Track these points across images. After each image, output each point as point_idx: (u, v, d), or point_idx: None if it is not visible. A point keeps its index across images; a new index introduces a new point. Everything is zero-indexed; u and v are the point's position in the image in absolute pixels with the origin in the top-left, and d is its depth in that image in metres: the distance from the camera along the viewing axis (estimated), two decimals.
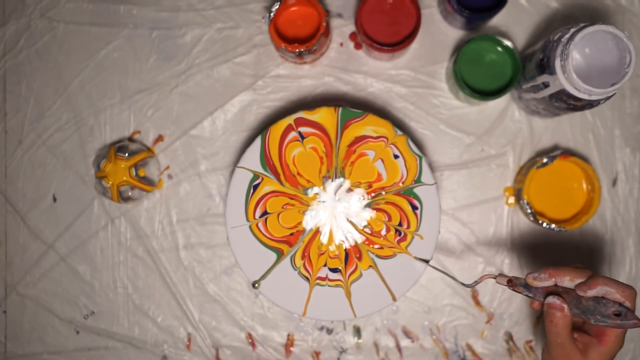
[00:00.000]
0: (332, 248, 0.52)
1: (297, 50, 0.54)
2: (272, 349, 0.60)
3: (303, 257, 0.52)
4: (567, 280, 0.42)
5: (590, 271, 0.43)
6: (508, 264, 0.59)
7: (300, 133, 0.52)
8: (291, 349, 0.59)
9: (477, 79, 0.56)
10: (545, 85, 0.49)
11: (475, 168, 0.59)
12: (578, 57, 0.47)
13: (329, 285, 0.52)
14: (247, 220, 0.52)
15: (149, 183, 0.58)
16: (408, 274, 0.52)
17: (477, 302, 0.59)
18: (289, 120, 0.52)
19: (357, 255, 0.52)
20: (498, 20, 0.59)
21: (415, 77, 0.60)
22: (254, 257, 0.52)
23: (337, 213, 0.52)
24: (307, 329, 0.60)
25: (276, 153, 0.52)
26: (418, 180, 0.52)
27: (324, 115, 0.52)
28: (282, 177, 0.52)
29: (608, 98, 0.48)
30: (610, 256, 0.59)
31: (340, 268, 0.52)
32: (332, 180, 0.52)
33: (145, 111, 0.60)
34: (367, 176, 0.52)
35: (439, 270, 0.50)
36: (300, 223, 0.52)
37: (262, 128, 0.60)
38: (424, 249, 0.52)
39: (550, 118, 0.58)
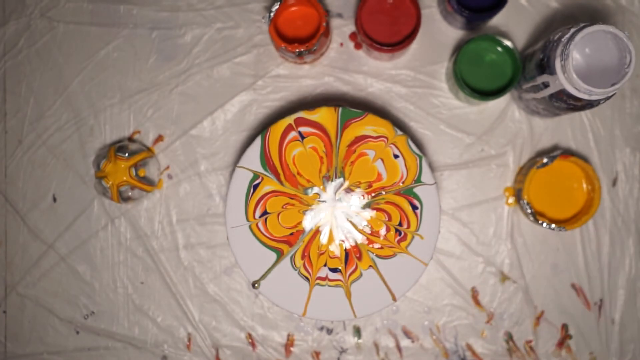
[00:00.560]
0: (332, 248, 0.52)
1: (297, 50, 0.54)
2: (272, 349, 0.60)
3: (303, 257, 0.52)
4: None
5: None
6: (508, 264, 0.59)
7: (300, 133, 0.52)
8: (291, 349, 0.59)
9: (477, 79, 0.56)
10: (545, 85, 0.49)
11: (475, 168, 0.59)
12: (578, 57, 0.47)
13: (329, 285, 0.52)
14: (247, 220, 0.52)
15: (149, 183, 0.58)
16: (408, 274, 0.52)
17: (477, 302, 0.59)
18: (289, 120, 0.52)
19: (357, 255, 0.52)
20: (498, 20, 0.59)
21: (415, 77, 0.60)
22: (254, 257, 0.52)
23: (337, 213, 0.52)
24: (307, 329, 0.60)
25: (276, 153, 0.52)
26: (418, 180, 0.52)
27: (324, 115, 0.52)
28: (282, 177, 0.52)
29: (608, 98, 0.48)
30: (610, 256, 0.59)
31: (340, 268, 0.52)
32: (332, 180, 0.52)
33: (145, 111, 0.60)
34: (367, 176, 0.52)
35: None
36: (300, 223, 0.52)
37: (262, 128, 0.60)
38: (424, 249, 0.52)
39: (550, 118, 0.58)
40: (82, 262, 0.61)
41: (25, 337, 0.61)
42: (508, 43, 0.55)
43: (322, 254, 0.52)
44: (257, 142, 0.52)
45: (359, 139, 0.52)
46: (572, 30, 0.46)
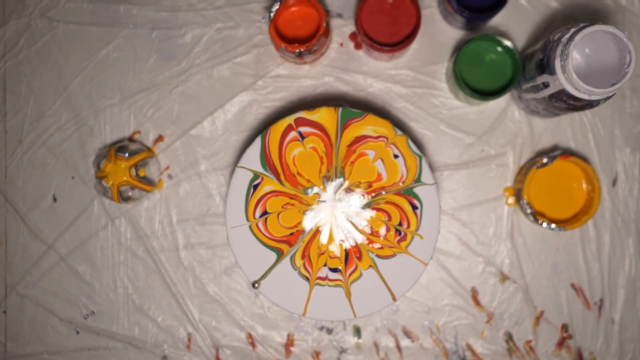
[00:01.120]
0: (332, 248, 0.52)
1: (297, 50, 0.54)
2: (272, 349, 0.60)
3: (303, 257, 0.52)
4: None
5: None
6: (508, 264, 0.59)
7: (300, 133, 0.52)
8: (291, 348, 0.59)
9: (477, 79, 0.56)
10: (545, 85, 0.49)
11: (475, 168, 0.59)
12: (578, 57, 0.47)
13: (329, 285, 0.52)
14: (247, 220, 0.52)
15: (149, 183, 0.58)
16: (408, 274, 0.52)
17: (477, 302, 0.59)
18: (289, 120, 0.52)
19: (357, 255, 0.52)
20: (498, 20, 0.59)
21: (415, 77, 0.60)
22: (254, 257, 0.52)
23: (337, 213, 0.52)
24: (307, 329, 0.60)
25: (276, 153, 0.52)
26: (418, 180, 0.52)
27: (324, 115, 0.52)
28: (282, 177, 0.52)
29: (608, 98, 0.48)
30: (610, 256, 0.59)
31: (340, 268, 0.52)
32: (332, 180, 0.52)
33: (145, 111, 0.60)
34: (367, 176, 0.52)
35: None
36: (300, 223, 0.52)
37: (262, 128, 0.60)
38: (424, 249, 0.52)
39: (550, 118, 0.58)
40: (82, 262, 0.61)
41: (25, 337, 0.61)
42: (508, 43, 0.55)
43: (322, 254, 0.52)
44: (257, 142, 0.52)
45: (359, 139, 0.52)
46: (572, 30, 0.46)
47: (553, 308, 0.59)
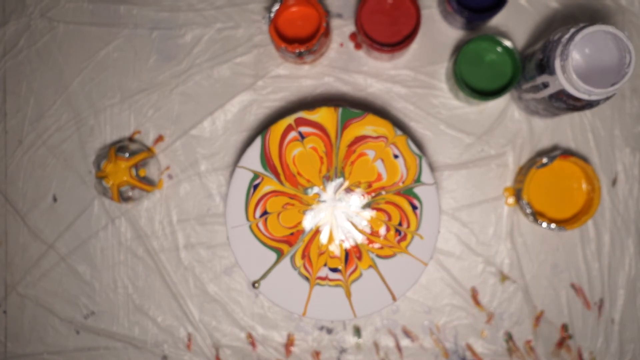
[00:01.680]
0: (332, 248, 0.52)
1: (297, 50, 0.54)
2: (272, 349, 0.60)
3: (303, 256, 0.52)
4: None
5: None
6: (508, 264, 0.59)
7: (300, 133, 0.52)
8: (291, 348, 0.60)
9: (477, 79, 0.56)
10: (545, 85, 0.49)
11: (475, 168, 0.59)
12: (578, 57, 0.47)
13: (329, 285, 0.52)
14: (247, 220, 0.52)
15: (149, 183, 0.58)
16: (408, 274, 0.52)
17: (477, 302, 0.59)
18: (289, 120, 0.52)
19: (357, 255, 0.52)
20: (498, 20, 0.59)
21: (415, 77, 0.60)
22: (254, 257, 0.52)
23: (337, 213, 0.52)
24: (307, 329, 0.60)
25: (276, 153, 0.52)
26: (418, 180, 0.52)
27: (324, 115, 0.52)
28: (282, 177, 0.52)
29: (608, 98, 0.48)
30: (610, 256, 0.59)
31: (340, 268, 0.52)
32: (332, 180, 0.52)
33: (146, 111, 0.61)
34: (367, 176, 0.52)
35: None
36: (300, 223, 0.52)
37: (262, 128, 0.60)
38: (424, 249, 0.52)
39: (550, 118, 0.58)
40: (82, 262, 0.61)
41: (26, 337, 0.61)
42: (508, 43, 0.55)
43: (322, 253, 0.52)
44: (257, 142, 0.52)
45: (359, 139, 0.52)
46: (572, 30, 0.46)
47: (553, 308, 0.59)
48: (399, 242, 0.52)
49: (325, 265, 0.52)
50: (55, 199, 0.61)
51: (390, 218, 0.52)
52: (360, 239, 0.52)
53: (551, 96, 0.49)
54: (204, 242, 0.60)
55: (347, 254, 0.52)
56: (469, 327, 0.59)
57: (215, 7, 0.60)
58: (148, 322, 0.60)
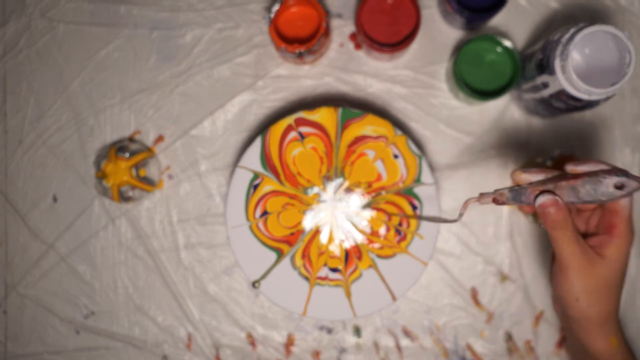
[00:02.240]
0: (332, 248, 0.52)
1: (297, 50, 0.54)
2: (272, 349, 0.60)
3: (303, 256, 0.52)
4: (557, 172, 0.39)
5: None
6: (508, 264, 0.59)
7: (300, 133, 0.52)
8: (291, 348, 0.60)
9: (477, 79, 0.56)
10: (545, 85, 0.49)
11: (475, 168, 0.59)
12: (578, 57, 0.47)
13: (329, 285, 0.52)
14: (247, 220, 0.52)
15: (149, 183, 0.58)
16: (408, 274, 0.52)
17: (477, 302, 0.59)
18: (289, 120, 0.52)
19: (357, 255, 0.52)
20: (498, 20, 0.59)
21: (415, 77, 0.60)
22: (254, 256, 0.52)
23: (337, 213, 0.52)
24: (307, 329, 0.60)
25: (276, 153, 0.52)
26: (418, 180, 0.52)
27: (324, 115, 0.52)
28: (282, 177, 0.52)
29: (608, 98, 0.48)
30: None
31: (340, 268, 0.52)
32: (332, 180, 0.52)
33: (146, 111, 0.61)
34: (367, 176, 0.52)
35: (428, 219, 0.49)
36: (300, 223, 0.52)
37: (262, 128, 0.60)
38: (424, 249, 0.52)
39: (550, 118, 0.58)
40: (83, 262, 0.61)
41: (26, 337, 0.61)
42: (508, 43, 0.55)
43: (322, 253, 0.52)
44: (257, 142, 0.52)
45: (359, 139, 0.52)
46: (572, 30, 0.46)
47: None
48: (399, 242, 0.52)
49: (325, 265, 0.52)
50: (55, 199, 0.61)
51: (390, 218, 0.52)
52: (360, 239, 0.52)
53: (551, 96, 0.49)
54: (204, 242, 0.60)
55: (347, 254, 0.52)
56: (468, 327, 0.59)
57: (215, 7, 0.60)
58: (148, 322, 0.60)
